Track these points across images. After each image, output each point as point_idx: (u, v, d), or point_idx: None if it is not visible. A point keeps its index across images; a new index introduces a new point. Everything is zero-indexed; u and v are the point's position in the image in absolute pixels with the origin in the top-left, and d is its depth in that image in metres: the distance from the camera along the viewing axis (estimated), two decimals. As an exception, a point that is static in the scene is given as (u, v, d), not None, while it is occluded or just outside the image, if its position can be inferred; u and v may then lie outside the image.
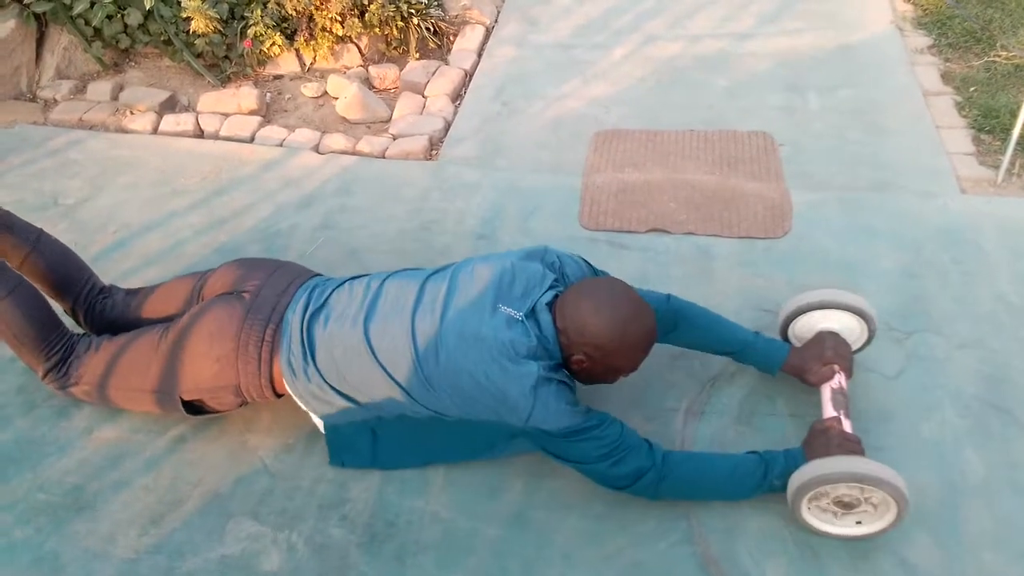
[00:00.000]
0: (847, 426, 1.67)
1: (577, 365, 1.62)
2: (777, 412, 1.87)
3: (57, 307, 1.94)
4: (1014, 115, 2.47)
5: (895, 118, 2.79)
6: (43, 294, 1.88)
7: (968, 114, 2.78)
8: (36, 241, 1.95)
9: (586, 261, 1.80)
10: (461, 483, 1.76)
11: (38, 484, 1.79)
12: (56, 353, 1.84)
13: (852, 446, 1.61)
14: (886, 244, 2.29)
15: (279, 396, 1.79)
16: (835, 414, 1.69)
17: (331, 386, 1.69)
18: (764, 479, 1.63)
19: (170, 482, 1.79)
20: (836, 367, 1.77)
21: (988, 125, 2.71)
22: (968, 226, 2.33)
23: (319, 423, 1.78)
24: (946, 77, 2.98)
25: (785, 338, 1.94)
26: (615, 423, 1.61)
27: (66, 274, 1.99)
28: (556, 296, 1.66)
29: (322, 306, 1.74)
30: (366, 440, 1.76)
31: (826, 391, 1.75)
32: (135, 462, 1.83)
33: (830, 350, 1.79)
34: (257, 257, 2.00)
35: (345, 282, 1.80)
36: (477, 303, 1.63)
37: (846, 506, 1.57)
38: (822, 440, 1.63)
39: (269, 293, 1.78)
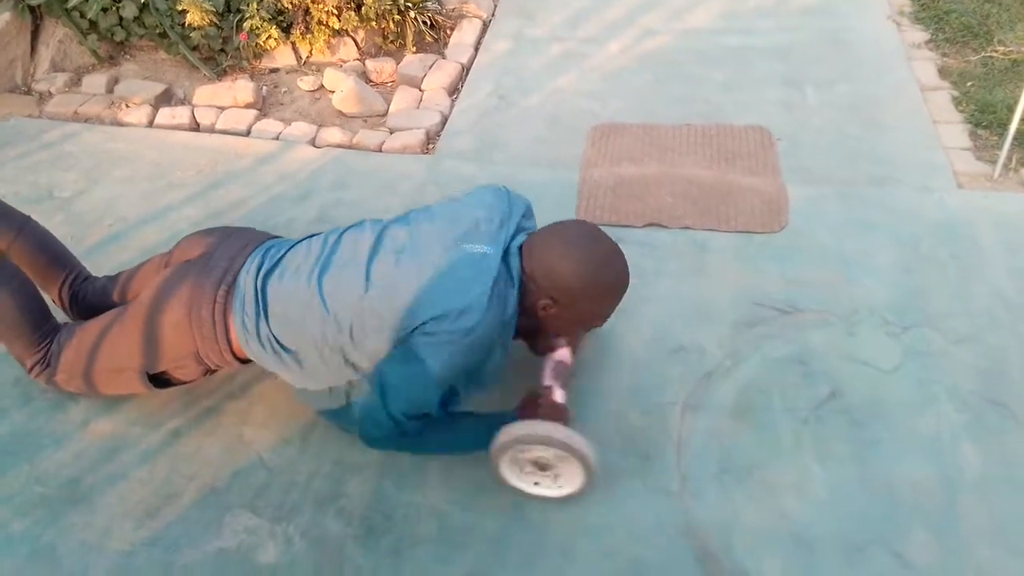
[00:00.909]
0: (559, 395, 1.70)
1: (543, 310, 1.57)
2: (772, 407, 1.87)
3: (46, 299, 1.93)
4: (1011, 110, 2.47)
5: (892, 113, 2.79)
6: (34, 285, 1.88)
7: (965, 109, 2.78)
8: (21, 227, 1.94)
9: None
10: (459, 477, 1.76)
11: (35, 477, 1.79)
12: (44, 347, 1.83)
13: (554, 412, 1.64)
14: (883, 239, 2.29)
15: (244, 362, 1.75)
16: (550, 384, 1.73)
17: (283, 345, 1.64)
18: (485, 440, 1.61)
19: (166, 475, 1.79)
20: (562, 340, 1.80)
21: (985, 120, 2.71)
22: (965, 221, 2.34)
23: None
24: (943, 72, 2.99)
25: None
26: (440, 412, 1.57)
27: (51, 261, 1.97)
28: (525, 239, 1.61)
29: (276, 263, 1.69)
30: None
31: (548, 362, 1.78)
32: (131, 455, 1.83)
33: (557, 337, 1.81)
34: (219, 226, 1.95)
35: (303, 240, 1.75)
36: (439, 243, 1.56)
37: (541, 468, 1.64)
38: (531, 404, 1.67)
39: (222, 255, 1.74)
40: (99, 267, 2.10)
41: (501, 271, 1.53)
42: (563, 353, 1.80)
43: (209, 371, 1.79)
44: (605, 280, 1.57)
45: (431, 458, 1.76)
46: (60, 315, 1.97)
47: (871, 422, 1.82)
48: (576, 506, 1.69)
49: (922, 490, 1.69)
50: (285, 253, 1.71)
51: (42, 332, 1.83)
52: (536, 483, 1.68)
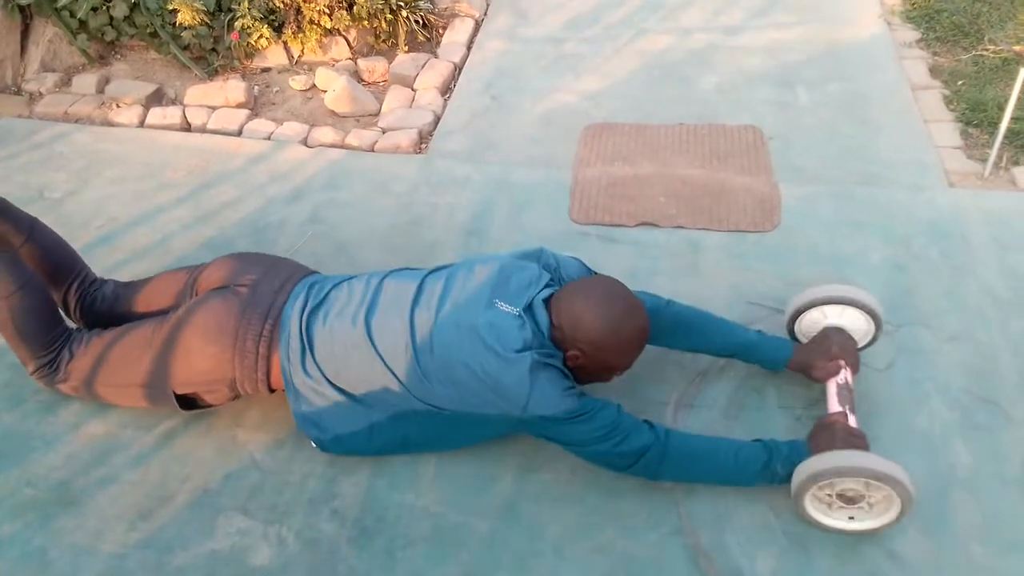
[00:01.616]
0: (852, 421, 1.67)
1: (572, 362, 1.63)
2: (766, 405, 1.87)
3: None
4: (1001, 109, 2.48)
5: (884, 112, 2.80)
6: (47, 290, 1.87)
7: (956, 108, 2.79)
8: (31, 230, 1.94)
9: (581, 261, 1.81)
10: (451, 477, 1.75)
11: (25, 479, 1.78)
12: (52, 351, 1.83)
13: (857, 441, 1.61)
14: (875, 238, 2.30)
15: (272, 391, 1.79)
16: (840, 409, 1.69)
17: (329, 381, 1.69)
18: (767, 466, 1.63)
19: (159, 477, 1.78)
20: (842, 363, 1.77)
21: (976, 119, 2.72)
22: (956, 219, 2.35)
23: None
24: (934, 71, 3.00)
25: (792, 333, 1.94)
26: (612, 404, 1.62)
27: (60, 264, 1.97)
28: (552, 293, 1.67)
29: (321, 303, 1.75)
30: (361, 434, 1.74)
31: (831, 387, 1.75)
32: (123, 457, 1.82)
33: (835, 346, 1.80)
34: (253, 252, 2.00)
35: (344, 280, 1.80)
36: (473, 298, 1.64)
37: (848, 500, 1.57)
38: (827, 434, 1.63)
39: (267, 289, 1.78)
40: (91, 268, 2.08)
41: (530, 326, 1.60)
42: (845, 375, 1.76)
43: (236, 396, 1.81)
44: (626, 334, 1.63)
45: (706, 482, 1.72)
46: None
47: (864, 420, 1.81)
48: (569, 505, 1.69)
49: (913, 487, 1.69)
50: (328, 292, 1.77)
51: (52, 336, 1.83)
52: (851, 517, 1.60)
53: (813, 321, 1.90)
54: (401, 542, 1.65)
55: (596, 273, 1.81)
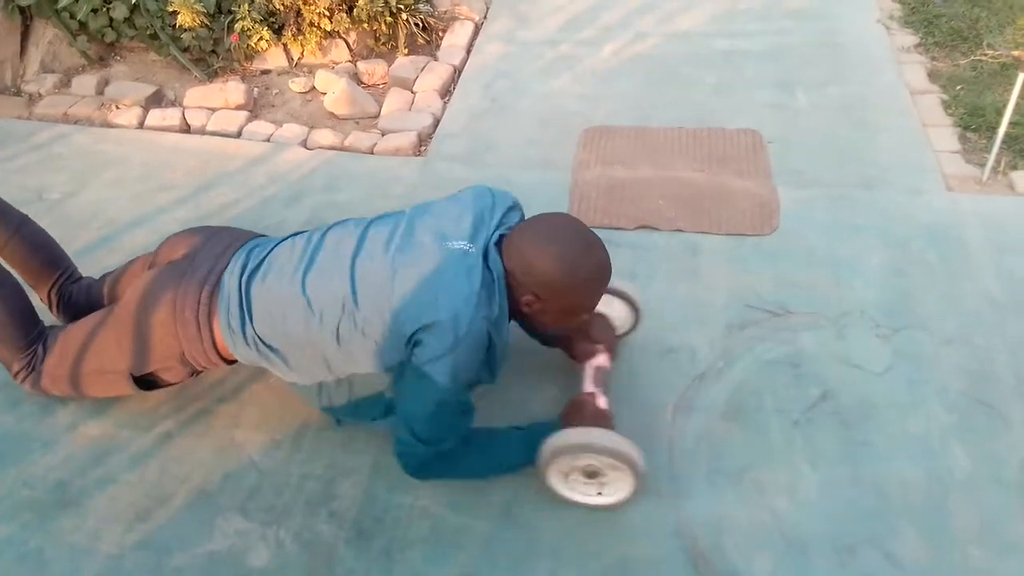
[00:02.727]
0: (603, 402, 1.72)
1: (527, 307, 1.55)
2: (764, 408, 1.87)
3: (35, 302, 1.92)
4: (1000, 113, 2.49)
5: (882, 116, 2.80)
6: (24, 290, 1.87)
7: (954, 112, 2.80)
8: (19, 226, 1.93)
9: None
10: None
11: (23, 480, 1.78)
12: (31, 352, 1.82)
13: (602, 421, 1.65)
14: (873, 241, 2.30)
15: (230, 362, 1.74)
16: (592, 389, 1.75)
17: (268, 345, 1.63)
18: (527, 451, 1.63)
19: (157, 478, 1.78)
20: (599, 346, 1.83)
21: (974, 123, 2.73)
22: (954, 223, 2.35)
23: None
24: (933, 75, 3.00)
25: None
26: (469, 420, 1.60)
27: (45, 262, 1.97)
28: (504, 234, 1.59)
29: (260, 263, 1.68)
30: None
31: (588, 368, 1.81)
32: (121, 458, 1.82)
33: (595, 330, 1.85)
34: (203, 225, 1.93)
35: (286, 239, 1.74)
36: (423, 242, 1.56)
37: (590, 475, 1.64)
38: (576, 411, 1.68)
39: (206, 255, 1.73)
40: (88, 270, 2.09)
41: (483, 269, 1.52)
42: (602, 358, 1.82)
43: (195, 372, 1.78)
44: (584, 272, 1.52)
45: (481, 479, 1.73)
46: (46, 315, 1.96)
47: (862, 423, 1.82)
48: (567, 507, 1.69)
49: (912, 490, 1.69)
50: (269, 252, 1.70)
51: (30, 338, 1.82)
52: (598, 492, 1.67)
53: None
54: (399, 544, 1.65)
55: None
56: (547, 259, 1.49)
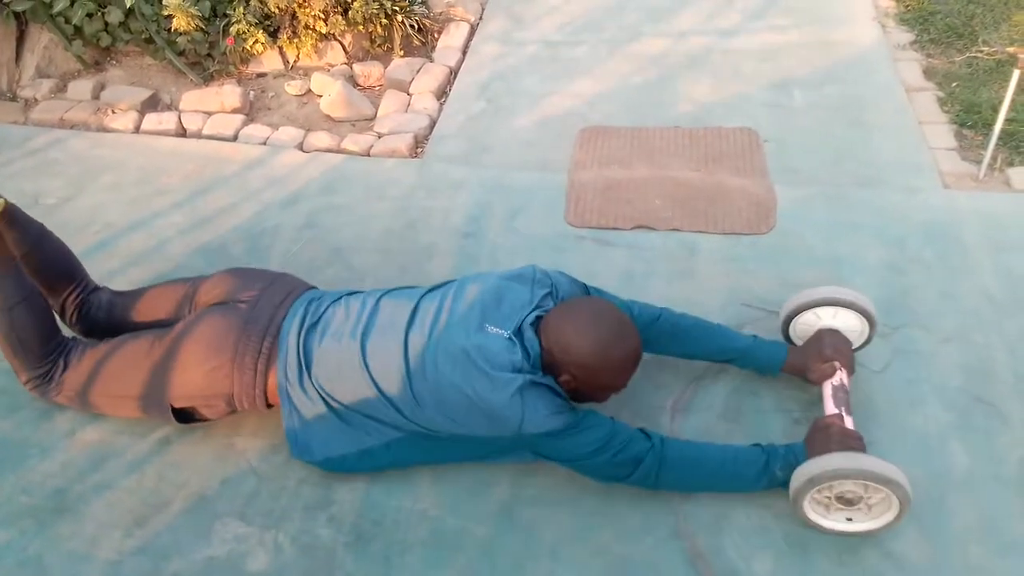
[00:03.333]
0: (848, 423, 1.68)
1: (565, 386, 1.63)
2: (763, 408, 1.87)
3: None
4: (995, 110, 2.49)
5: (879, 114, 2.80)
6: (48, 304, 1.87)
7: (950, 110, 2.80)
8: (39, 237, 1.95)
9: (571, 277, 1.80)
10: (448, 482, 1.75)
11: (21, 487, 1.77)
12: (48, 363, 1.83)
13: (853, 443, 1.61)
14: (870, 239, 2.30)
15: (269, 407, 1.79)
16: (836, 411, 1.70)
17: (324, 399, 1.69)
18: (765, 470, 1.64)
19: (155, 484, 1.77)
20: (837, 364, 1.77)
21: (970, 120, 2.73)
22: (951, 221, 2.35)
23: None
24: (928, 73, 3.00)
25: (787, 336, 1.95)
26: (605, 416, 1.63)
27: (63, 272, 1.98)
28: (541, 315, 1.66)
29: (318, 321, 1.75)
30: (351, 458, 1.74)
31: (827, 388, 1.76)
32: (119, 464, 1.81)
33: (829, 348, 1.79)
34: (253, 267, 2.00)
35: (341, 297, 1.81)
36: (464, 321, 1.64)
37: (846, 502, 1.57)
38: (823, 436, 1.64)
39: (266, 304, 1.79)
40: (90, 276, 2.08)
41: (521, 348, 1.60)
42: (840, 376, 1.77)
43: (234, 411, 1.80)
44: (617, 356, 1.62)
45: (709, 490, 1.71)
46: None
47: (861, 422, 1.82)
48: (566, 509, 1.69)
49: (912, 488, 1.69)
50: (325, 310, 1.77)
51: (49, 348, 1.83)
52: (849, 519, 1.61)
53: (807, 324, 1.90)
54: (398, 547, 1.65)
55: (587, 286, 1.81)
56: (585, 343, 1.59)
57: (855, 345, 1.88)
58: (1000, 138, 2.47)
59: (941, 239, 2.29)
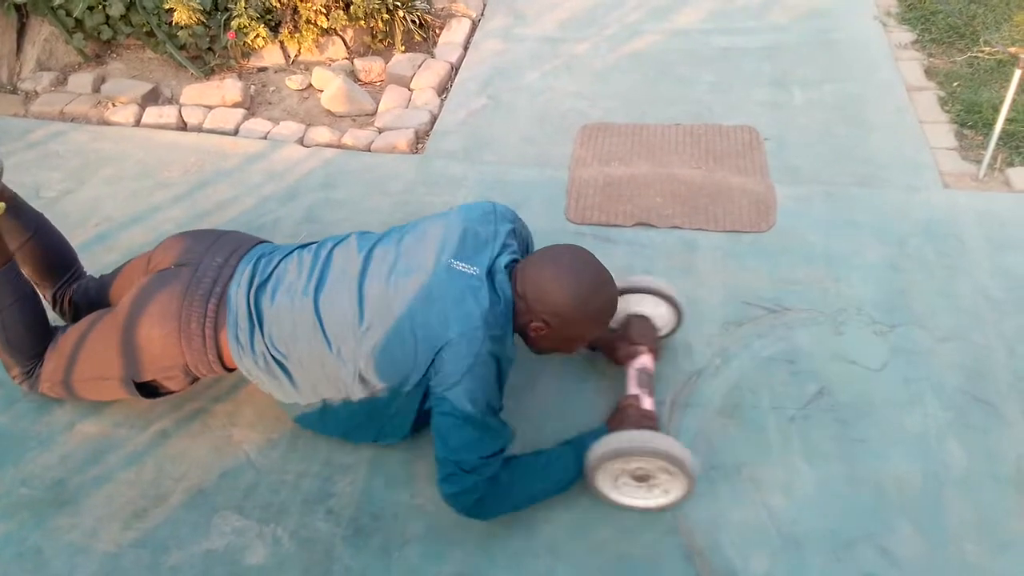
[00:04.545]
0: (648, 403, 1.73)
1: (535, 332, 1.61)
2: (760, 405, 1.88)
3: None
4: (996, 110, 2.49)
5: (879, 113, 2.80)
6: (41, 302, 1.87)
7: (951, 109, 2.80)
8: (37, 227, 1.94)
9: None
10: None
11: (20, 479, 1.78)
12: (36, 359, 1.83)
13: (647, 422, 1.66)
14: (870, 238, 2.30)
15: (230, 370, 1.75)
16: (636, 392, 1.75)
17: (277, 361, 1.65)
18: (576, 462, 1.64)
19: (153, 476, 1.78)
20: (642, 348, 1.83)
21: (971, 120, 2.73)
22: (951, 220, 2.35)
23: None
24: (929, 72, 3.00)
25: None
26: (507, 439, 1.58)
27: (57, 263, 1.98)
28: (513, 259, 1.63)
29: (268, 277, 1.69)
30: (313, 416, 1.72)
31: (630, 371, 1.81)
32: (118, 456, 1.82)
33: (636, 333, 1.85)
34: (202, 229, 1.93)
35: (294, 251, 1.75)
36: (427, 260, 1.59)
37: (640, 479, 1.63)
38: (619, 416, 1.69)
39: (209, 265, 1.73)
40: (86, 267, 2.08)
41: (490, 290, 1.56)
42: (645, 360, 1.81)
43: (195, 379, 1.79)
44: (595, 306, 1.60)
45: (542, 502, 1.68)
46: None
47: (858, 420, 1.83)
48: (564, 504, 1.69)
49: (908, 486, 1.70)
50: (276, 266, 1.71)
51: (41, 346, 1.83)
52: (640, 494, 1.66)
53: (619, 309, 1.91)
54: (397, 541, 1.65)
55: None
56: (562, 290, 1.56)
57: (663, 332, 1.94)
58: (1000, 138, 2.47)
59: (941, 238, 2.29)
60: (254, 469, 1.79)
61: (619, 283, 1.84)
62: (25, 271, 1.88)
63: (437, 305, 1.53)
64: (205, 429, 1.87)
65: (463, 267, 1.57)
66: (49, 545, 1.66)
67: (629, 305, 1.92)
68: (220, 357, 1.70)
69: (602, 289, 1.61)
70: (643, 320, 1.90)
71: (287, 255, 1.74)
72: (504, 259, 1.61)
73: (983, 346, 1.99)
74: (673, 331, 1.96)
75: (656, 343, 1.88)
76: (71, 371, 1.79)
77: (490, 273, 1.58)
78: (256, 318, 1.65)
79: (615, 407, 1.75)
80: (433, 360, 1.53)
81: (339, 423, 1.72)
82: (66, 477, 1.78)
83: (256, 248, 1.80)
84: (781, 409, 1.87)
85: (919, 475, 1.72)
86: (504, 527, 1.66)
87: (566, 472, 1.65)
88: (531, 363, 1.87)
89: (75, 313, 1.97)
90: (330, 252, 1.71)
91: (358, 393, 1.63)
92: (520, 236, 1.75)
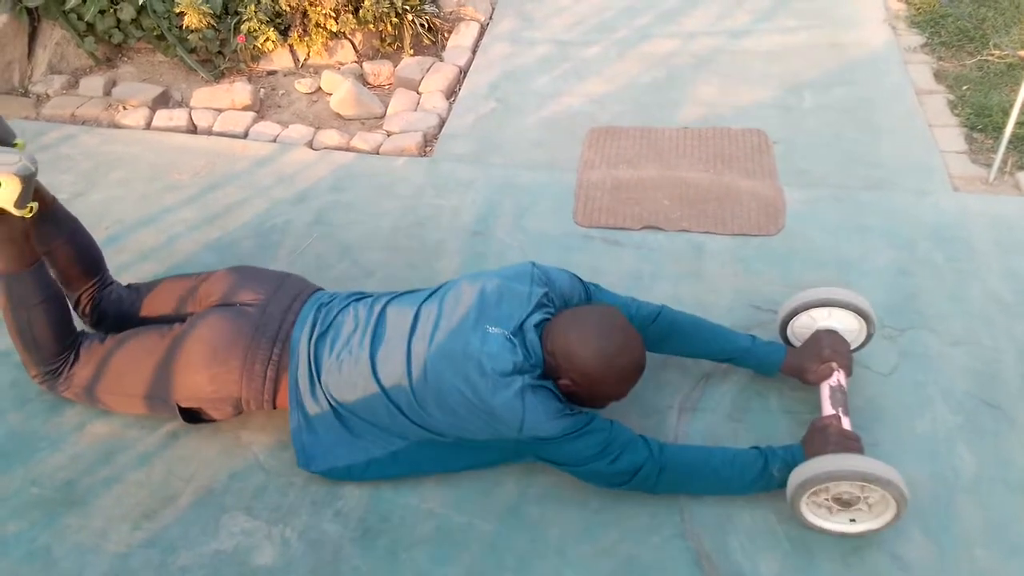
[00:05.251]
0: (846, 424, 1.68)
1: (564, 389, 1.63)
2: (770, 409, 1.87)
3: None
4: (1006, 114, 2.48)
5: (889, 116, 2.80)
6: (67, 303, 1.88)
7: (961, 113, 2.79)
8: (72, 232, 1.97)
9: (572, 274, 1.80)
10: (455, 479, 1.75)
11: (31, 479, 1.79)
12: (60, 360, 1.84)
13: (850, 444, 1.61)
14: (879, 242, 2.30)
15: (276, 408, 1.80)
16: (833, 412, 1.70)
17: (334, 409, 1.71)
18: (763, 472, 1.64)
19: (163, 477, 1.78)
20: (834, 365, 1.77)
21: (980, 124, 2.72)
22: (960, 224, 2.34)
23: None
24: (939, 76, 3.00)
25: (784, 337, 1.95)
26: (605, 420, 1.63)
27: (87, 268, 1.99)
28: (545, 318, 1.67)
29: (328, 328, 1.76)
30: (357, 468, 1.74)
31: (825, 389, 1.76)
32: (128, 457, 1.82)
33: (827, 348, 1.79)
34: (256, 267, 1.99)
35: (350, 304, 1.81)
36: (462, 322, 1.65)
37: (844, 503, 1.57)
38: (820, 437, 1.64)
39: (275, 309, 1.79)
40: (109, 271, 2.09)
41: (523, 348, 1.60)
42: (838, 377, 1.76)
43: (240, 412, 1.82)
44: (621, 367, 1.62)
45: (716, 494, 1.71)
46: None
47: (868, 424, 1.82)
48: (572, 507, 1.69)
49: (918, 491, 1.69)
50: (335, 317, 1.78)
51: (63, 347, 1.84)
52: (852, 520, 1.60)
53: (804, 325, 1.90)
54: (404, 543, 1.65)
55: (588, 286, 1.81)
56: (588, 351, 1.59)
57: (853, 345, 1.88)
58: (1010, 142, 2.47)
59: (950, 242, 2.28)
60: (263, 470, 1.79)
61: (800, 298, 1.87)
62: (53, 272, 1.90)
63: (474, 363, 1.58)
64: (215, 431, 1.87)
65: (494, 330, 1.61)
66: (59, 545, 1.67)
67: (815, 320, 1.88)
68: (274, 397, 1.76)
69: (627, 351, 1.62)
70: (832, 335, 1.83)
71: (344, 307, 1.80)
72: (535, 318, 1.65)
73: (993, 350, 1.98)
74: (866, 342, 1.89)
75: (848, 359, 1.81)
76: (102, 381, 1.82)
77: (521, 331, 1.62)
78: (315, 368, 1.72)
79: (811, 428, 1.69)
80: (487, 413, 1.58)
81: (394, 466, 1.74)
82: (76, 477, 1.79)
83: (315, 295, 1.87)
84: (791, 413, 1.86)
85: (929, 479, 1.71)
86: (512, 530, 1.67)
87: (746, 469, 1.65)
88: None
89: (98, 318, 1.98)
90: (384, 308, 1.77)
91: (410, 436, 1.70)
92: (557, 297, 1.75)
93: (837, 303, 1.83)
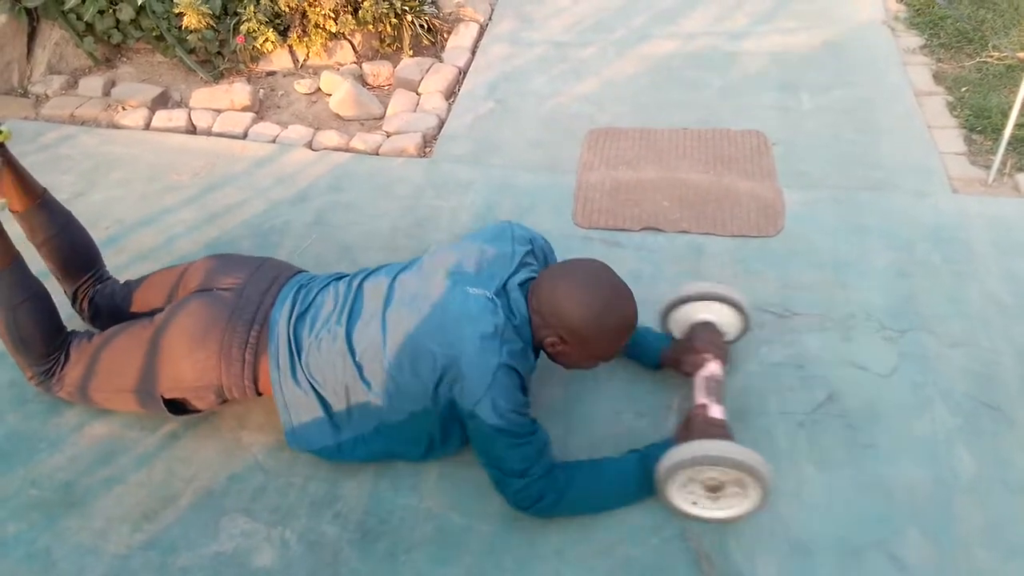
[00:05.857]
0: (716, 411, 1.69)
1: (551, 347, 1.61)
2: (768, 411, 1.87)
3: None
4: (1005, 115, 2.49)
5: (888, 118, 2.80)
6: (52, 301, 1.88)
7: (960, 114, 2.80)
8: (65, 224, 1.96)
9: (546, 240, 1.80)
10: (454, 480, 1.76)
11: (30, 480, 1.78)
12: (52, 360, 1.83)
13: (713, 430, 1.62)
14: (878, 243, 2.30)
15: (260, 395, 1.78)
16: (704, 401, 1.72)
17: (315, 390, 1.69)
18: (646, 476, 1.63)
19: (163, 478, 1.78)
20: (708, 356, 1.80)
21: (979, 125, 2.73)
22: (959, 225, 2.35)
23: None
24: (938, 77, 3.00)
25: (666, 331, 1.96)
26: (543, 437, 1.60)
27: (81, 263, 1.99)
28: (530, 276, 1.64)
29: (308, 308, 1.74)
30: (345, 439, 1.73)
31: (698, 379, 1.78)
32: (127, 458, 1.82)
33: (701, 340, 1.82)
34: (237, 253, 1.97)
35: (330, 284, 1.79)
36: (441, 287, 1.61)
37: (713, 489, 1.60)
38: (686, 426, 1.67)
39: (252, 292, 1.77)
40: (106, 266, 2.09)
41: (506, 309, 1.57)
42: (713, 368, 1.78)
43: (224, 400, 1.80)
44: (611, 322, 1.57)
45: (609, 509, 1.68)
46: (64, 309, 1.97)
47: (867, 425, 1.82)
48: (572, 509, 1.69)
49: (917, 493, 1.69)
50: (315, 297, 1.76)
51: (52, 346, 1.83)
52: (712, 505, 1.63)
53: (682, 318, 1.92)
54: (404, 545, 1.65)
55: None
56: (577, 306, 1.55)
57: (730, 338, 1.92)
58: (1010, 143, 2.47)
59: (949, 243, 2.29)
60: (263, 472, 1.79)
61: (679, 291, 1.87)
62: (48, 266, 1.91)
63: (453, 325, 1.55)
64: (214, 432, 1.87)
65: (475, 291, 1.58)
66: (58, 546, 1.66)
67: (692, 313, 1.89)
68: (255, 382, 1.74)
69: (617, 304, 1.58)
70: (708, 327, 1.86)
71: (324, 287, 1.78)
72: (520, 277, 1.63)
73: (992, 351, 1.98)
74: (740, 336, 1.94)
75: (723, 350, 1.83)
76: (92, 379, 1.81)
77: (504, 291, 1.60)
78: (296, 348, 1.70)
79: (683, 417, 1.72)
80: (454, 376, 1.54)
81: (378, 442, 1.72)
82: (75, 478, 1.79)
83: (295, 278, 1.84)
84: (789, 415, 1.86)
85: (928, 481, 1.71)
86: (511, 531, 1.67)
87: (630, 478, 1.65)
88: (551, 373, 1.87)
89: (94, 313, 1.99)
90: (360, 284, 1.75)
91: (386, 415, 1.66)
92: (539, 255, 1.75)
93: (712, 296, 1.87)
